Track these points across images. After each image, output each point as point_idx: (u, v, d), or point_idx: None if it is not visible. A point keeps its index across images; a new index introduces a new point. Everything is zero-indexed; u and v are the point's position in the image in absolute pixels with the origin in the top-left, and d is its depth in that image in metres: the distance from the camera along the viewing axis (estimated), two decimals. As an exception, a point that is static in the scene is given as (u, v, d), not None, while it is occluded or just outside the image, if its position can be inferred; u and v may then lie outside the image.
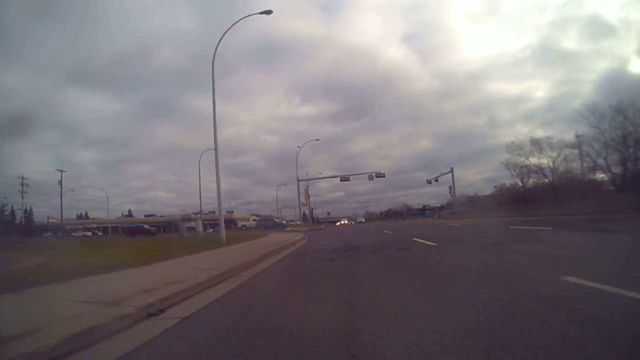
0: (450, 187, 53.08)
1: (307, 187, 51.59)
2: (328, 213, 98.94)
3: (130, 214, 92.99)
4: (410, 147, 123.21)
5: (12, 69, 64.88)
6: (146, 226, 42.77)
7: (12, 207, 63.53)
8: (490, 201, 47.14)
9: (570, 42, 76.36)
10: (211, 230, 45.36)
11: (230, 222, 73.80)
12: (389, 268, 6.19)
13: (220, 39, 18.93)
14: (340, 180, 49.64)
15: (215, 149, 17.24)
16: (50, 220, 68.51)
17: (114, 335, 2.77)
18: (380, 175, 50.54)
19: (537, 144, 27.86)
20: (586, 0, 76.48)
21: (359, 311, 3.09)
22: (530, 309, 2.76)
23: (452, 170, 52.11)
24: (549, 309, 2.76)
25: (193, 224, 43.21)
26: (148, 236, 29.01)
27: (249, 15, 19.04)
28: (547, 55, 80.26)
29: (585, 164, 25.21)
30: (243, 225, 56.80)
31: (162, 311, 3.50)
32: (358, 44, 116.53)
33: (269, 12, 18.96)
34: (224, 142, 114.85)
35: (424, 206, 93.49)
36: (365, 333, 2.48)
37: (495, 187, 45.13)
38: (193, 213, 69.70)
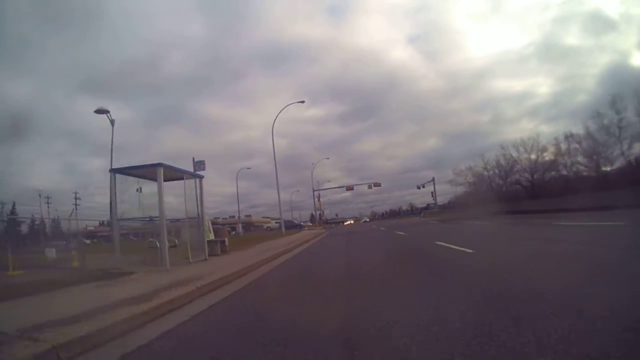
0: (432, 192, 66.51)
1: (319, 194, 65.08)
2: (336, 215, 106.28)
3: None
4: (417, 146, 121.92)
5: (21, 77, 63.13)
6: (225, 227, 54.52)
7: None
8: (466, 202, 60.55)
9: (572, 38, 76.26)
10: (234, 232, 51.78)
11: (249, 225, 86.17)
12: (363, 234, 19.94)
13: (275, 119, 32.50)
14: (346, 190, 63.56)
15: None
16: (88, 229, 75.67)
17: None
18: (376, 184, 64.56)
19: (470, 170, 41.77)
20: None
21: (352, 237, 17.09)
22: (368, 234, 16.25)
23: (433, 180, 65.72)
24: (370, 231, 16.23)
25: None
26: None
27: (288, 105, 32.71)
28: (550, 51, 78.69)
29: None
30: (268, 227, 69.28)
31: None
32: (364, 46, 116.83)
33: (302, 101, 32.78)
34: (233, 146, 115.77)
35: (427, 205, 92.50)
36: (351, 238, 16.08)
37: (464, 192, 58.45)
38: (215, 217, 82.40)
